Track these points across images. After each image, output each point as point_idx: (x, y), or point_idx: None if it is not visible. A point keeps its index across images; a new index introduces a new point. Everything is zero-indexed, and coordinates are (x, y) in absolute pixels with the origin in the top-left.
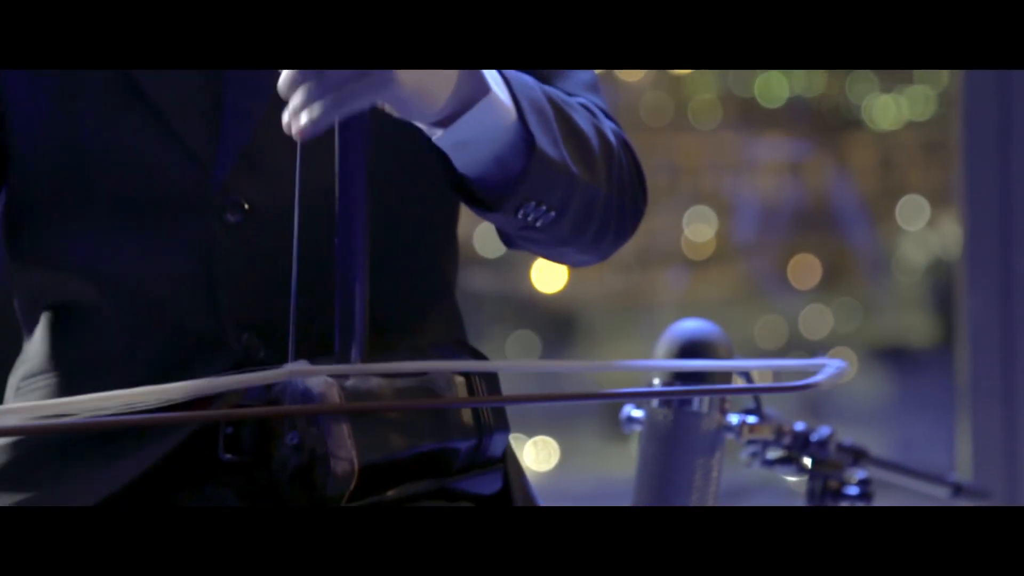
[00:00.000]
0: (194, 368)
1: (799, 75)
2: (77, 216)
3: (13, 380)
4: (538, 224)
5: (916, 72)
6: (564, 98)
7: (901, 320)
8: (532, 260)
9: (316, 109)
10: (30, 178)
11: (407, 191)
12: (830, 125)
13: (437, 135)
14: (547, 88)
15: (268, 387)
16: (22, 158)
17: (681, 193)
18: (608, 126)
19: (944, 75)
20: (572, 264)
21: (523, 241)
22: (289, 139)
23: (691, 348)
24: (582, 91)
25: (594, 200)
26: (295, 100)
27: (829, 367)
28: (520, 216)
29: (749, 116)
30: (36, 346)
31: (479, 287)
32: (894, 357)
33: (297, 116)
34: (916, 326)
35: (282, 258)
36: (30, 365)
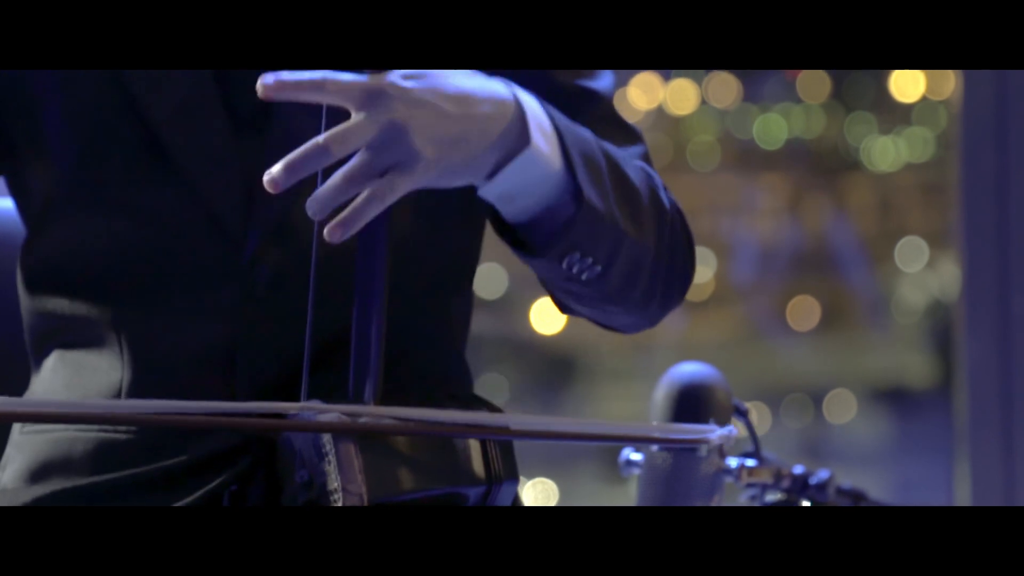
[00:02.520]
0: (200, 430)
1: (798, 117)
2: (98, 276)
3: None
4: (583, 277)
5: (914, 114)
6: (620, 154)
7: (900, 361)
8: (532, 301)
9: (351, 211)
10: (53, 236)
11: (426, 248)
12: (829, 167)
13: (482, 186)
14: (604, 143)
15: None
16: (45, 212)
17: None
18: (662, 191)
19: (942, 117)
20: (620, 327)
21: (568, 296)
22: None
23: (690, 391)
24: (637, 160)
25: (642, 259)
26: (324, 194)
27: (717, 432)
28: (565, 266)
29: (748, 158)
30: (43, 385)
31: (478, 328)
32: (893, 398)
33: (323, 211)
34: (915, 367)
35: (302, 321)
36: None
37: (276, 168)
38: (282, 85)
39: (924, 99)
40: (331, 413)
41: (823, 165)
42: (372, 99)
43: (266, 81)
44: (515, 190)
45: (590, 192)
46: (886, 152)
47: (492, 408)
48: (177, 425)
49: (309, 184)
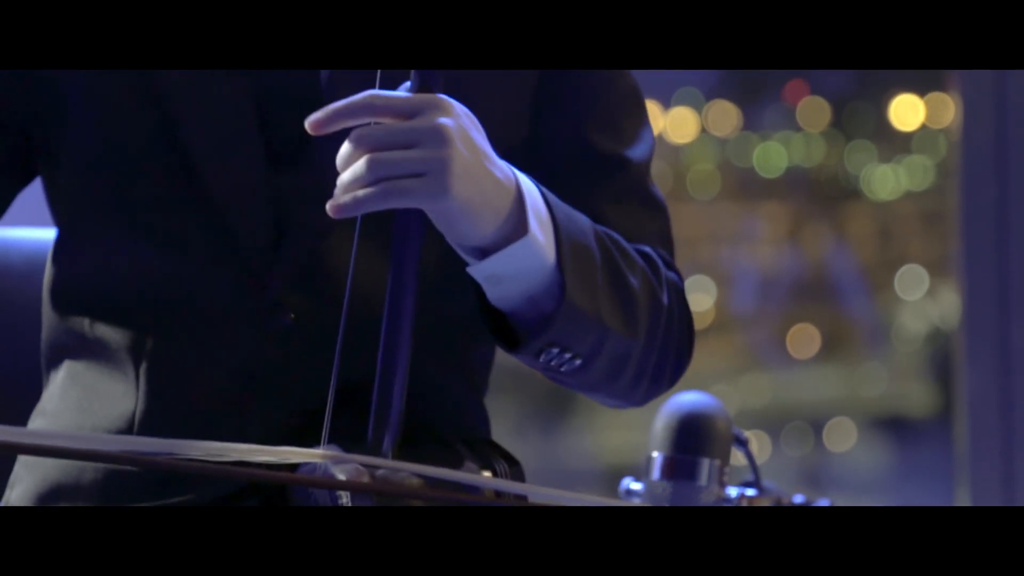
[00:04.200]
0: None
1: (798, 145)
2: (119, 299)
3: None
4: (563, 369)
5: (914, 142)
6: (622, 245)
7: (900, 390)
8: None
9: (361, 194)
10: (80, 250)
11: (450, 299)
12: (829, 195)
13: (473, 264)
14: (605, 232)
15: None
16: (74, 224)
17: (679, 263)
18: (665, 277)
19: (942, 145)
20: (604, 404)
21: (550, 378)
22: (346, 257)
23: (689, 421)
24: (653, 239)
25: (628, 353)
26: (345, 176)
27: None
28: (542, 360)
29: (748, 186)
30: (54, 403)
31: None
32: (893, 427)
33: (341, 192)
34: (915, 396)
35: (321, 368)
36: (46, 422)
37: (319, 112)
38: (332, 114)
39: (924, 127)
40: (350, 464)
41: (823, 193)
42: (422, 107)
43: (315, 117)
44: (505, 274)
45: (574, 289)
46: (886, 180)
47: (507, 457)
48: (186, 471)
49: (333, 232)
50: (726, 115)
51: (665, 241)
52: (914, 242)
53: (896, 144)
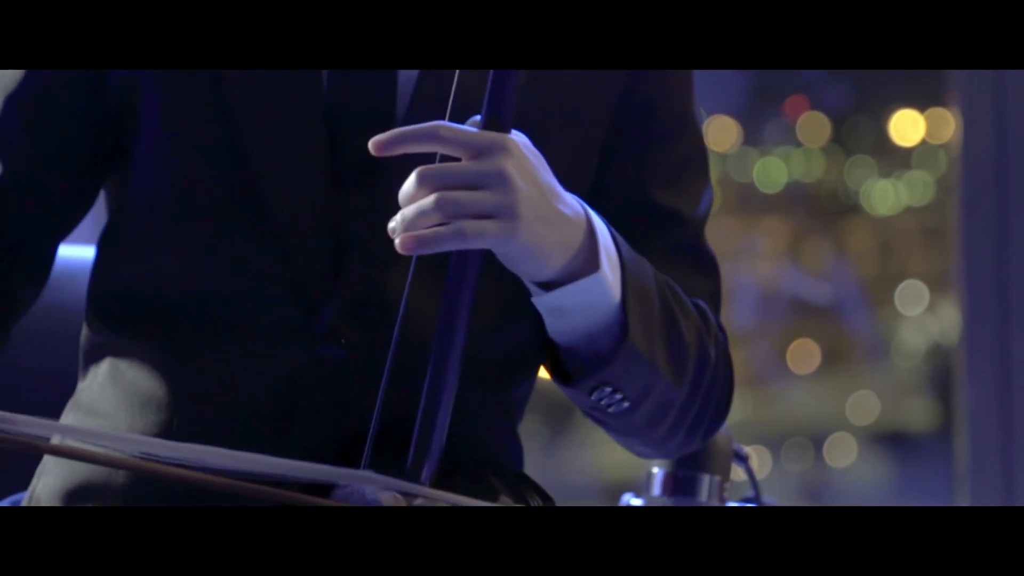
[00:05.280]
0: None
1: (798, 160)
2: (169, 310)
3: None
4: (610, 410)
5: (914, 158)
6: (679, 294)
7: (900, 405)
8: None
9: (434, 232)
10: (134, 257)
11: (497, 337)
12: (829, 210)
13: (538, 295)
14: (665, 281)
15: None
16: (131, 230)
17: None
18: (715, 334)
19: (942, 161)
20: (633, 452)
21: (592, 418)
22: (400, 289)
23: None
24: (704, 297)
25: (671, 403)
26: (410, 211)
27: None
28: (594, 398)
29: (747, 201)
30: (92, 397)
31: None
32: (893, 442)
33: (407, 229)
34: (915, 411)
35: (366, 397)
36: (82, 416)
37: (384, 134)
38: (397, 137)
39: (924, 143)
40: (388, 492)
41: (823, 209)
42: (488, 147)
43: (379, 139)
44: (570, 308)
45: (636, 332)
46: (886, 196)
47: (540, 491)
48: (220, 489)
49: (392, 264)
50: (726, 130)
51: (714, 300)
52: (914, 257)
53: (896, 159)
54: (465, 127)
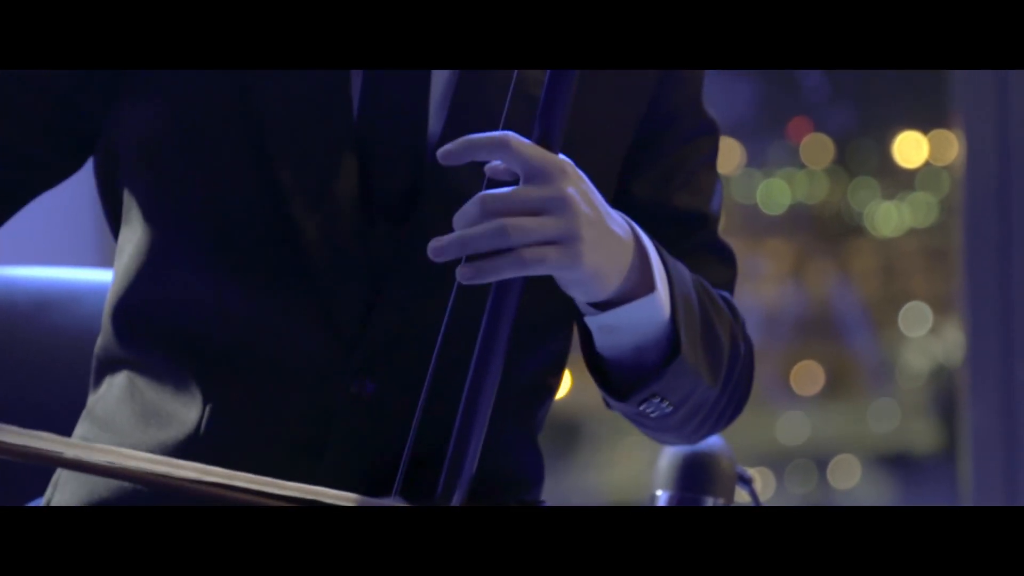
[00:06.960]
0: None
1: (801, 182)
2: (197, 339)
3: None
4: (653, 415)
5: (918, 179)
6: (711, 294)
7: (904, 427)
8: None
9: (488, 264)
10: (164, 284)
11: (526, 358)
12: (832, 232)
13: (590, 314)
14: (699, 283)
15: None
16: (162, 258)
17: None
18: (741, 327)
19: (945, 182)
20: (658, 441)
21: (632, 421)
22: (436, 327)
23: (693, 459)
24: (725, 285)
25: (707, 401)
26: (471, 236)
27: None
28: (642, 408)
29: (751, 223)
30: (107, 409)
31: None
32: (897, 464)
33: (461, 253)
34: (919, 433)
35: (396, 432)
36: (96, 428)
37: (452, 144)
38: (466, 145)
39: (927, 164)
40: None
41: (826, 230)
42: (547, 169)
43: (447, 149)
44: (622, 325)
45: (687, 346)
46: (889, 217)
47: None
48: (237, 503)
49: (427, 298)
50: (729, 152)
51: (732, 286)
52: (918, 279)
53: (900, 181)
54: (530, 142)
